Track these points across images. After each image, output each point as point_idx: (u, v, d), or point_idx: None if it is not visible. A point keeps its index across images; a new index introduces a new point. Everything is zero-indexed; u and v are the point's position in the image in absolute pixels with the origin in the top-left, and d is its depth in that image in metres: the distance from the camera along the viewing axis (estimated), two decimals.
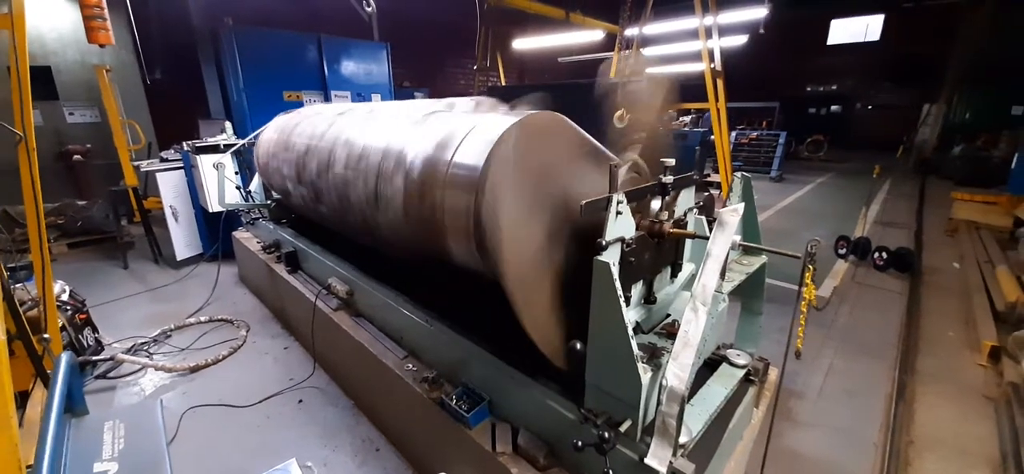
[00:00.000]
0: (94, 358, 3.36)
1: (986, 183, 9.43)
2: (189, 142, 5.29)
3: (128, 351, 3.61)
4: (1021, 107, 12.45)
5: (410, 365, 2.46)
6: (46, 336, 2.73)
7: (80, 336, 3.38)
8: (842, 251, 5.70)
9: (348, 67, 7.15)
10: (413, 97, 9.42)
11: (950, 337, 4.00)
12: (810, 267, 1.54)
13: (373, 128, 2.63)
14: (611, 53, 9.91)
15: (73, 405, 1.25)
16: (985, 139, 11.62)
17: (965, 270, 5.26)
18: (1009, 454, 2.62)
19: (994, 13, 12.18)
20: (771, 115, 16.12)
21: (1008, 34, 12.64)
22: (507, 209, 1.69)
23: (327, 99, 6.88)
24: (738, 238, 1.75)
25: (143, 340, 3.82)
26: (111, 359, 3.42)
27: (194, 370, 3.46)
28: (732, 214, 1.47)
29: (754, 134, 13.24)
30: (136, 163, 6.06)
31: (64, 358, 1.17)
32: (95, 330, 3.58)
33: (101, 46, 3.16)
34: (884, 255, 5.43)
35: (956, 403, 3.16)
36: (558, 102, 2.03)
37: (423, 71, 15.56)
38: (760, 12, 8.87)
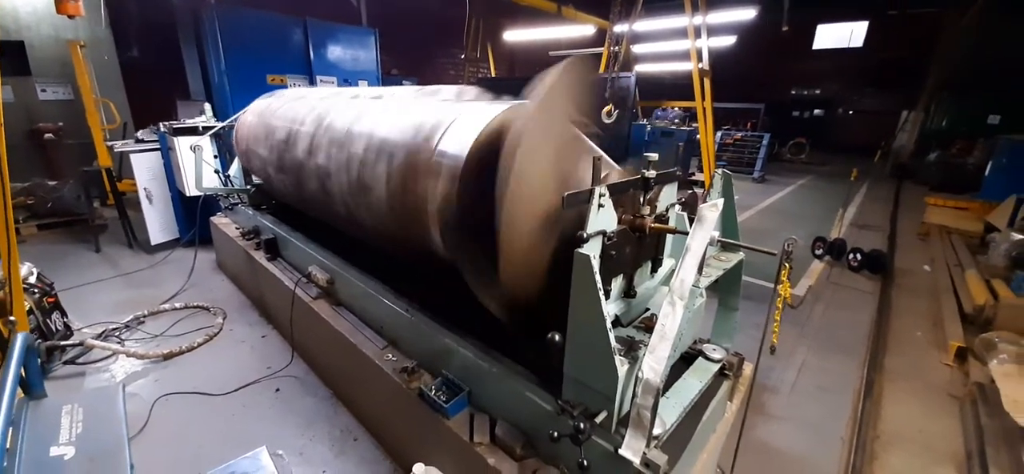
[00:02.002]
0: (62, 343, 3.26)
1: (959, 189, 9.73)
2: (166, 123, 5.14)
3: (98, 337, 3.51)
4: (997, 116, 12.84)
5: (390, 355, 2.44)
6: (12, 319, 2.64)
7: (48, 320, 3.27)
8: (819, 252, 5.84)
9: (335, 52, 7.02)
10: (401, 85, 9.31)
11: (918, 337, 4.13)
12: (786, 265, 1.57)
13: (358, 114, 2.58)
14: (601, 48, 9.93)
15: (31, 388, 1.21)
16: (960, 146, 11.97)
17: (935, 273, 5.43)
18: (974, 452, 2.72)
19: (975, 24, 12.51)
20: (756, 116, 16.36)
21: (988, 45, 13.01)
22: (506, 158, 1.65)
23: (312, 84, 6.75)
24: (717, 234, 1.77)
25: (114, 326, 3.72)
26: (80, 345, 3.31)
27: (167, 357, 3.38)
28: (711, 210, 1.48)
29: (739, 135, 13.43)
30: (110, 143, 5.86)
31: (20, 338, 1.12)
32: (64, 314, 3.47)
33: (70, 18, 3.04)
34: (858, 256, 5.58)
35: (922, 400, 3.27)
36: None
37: (412, 60, 15.38)
38: (749, 13, 8.97)
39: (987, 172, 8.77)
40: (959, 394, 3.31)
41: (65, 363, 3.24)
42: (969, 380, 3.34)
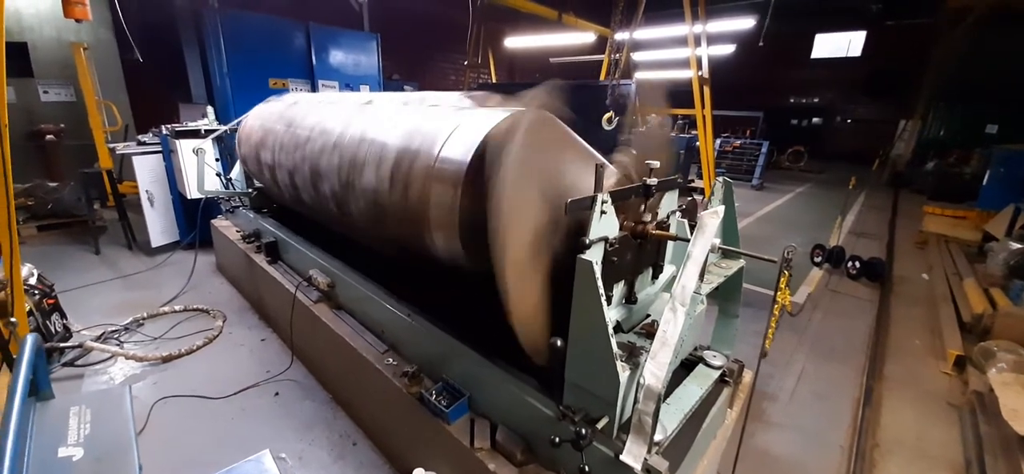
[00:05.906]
0: (62, 345, 3.25)
1: (957, 198, 9.75)
2: (168, 126, 5.15)
3: (98, 339, 3.51)
4: (995, 126, 12.91)
5: (390, 359, 2.44)
6: (13, 320, 2.64)
7: (48, 322, 3.27)
8: (817, 259, 5.86)
9: (337, 56, 7.05)
10: (402, 90, 9.34)
11: (917, 345, 4.14)
12: (786, 273, 1.58)
13: (361, 119, 2.60)
14: (602, 55, 9.99)
15: (38, 389, 1.21)
16: (957, 155, 12.02)
17: (933, 281, 5.45)
18: (973, 460, 2.73)
19: (971, 34, 12.62)
20: (755, 124, 16.43)
21: (984, 55, 13.10)
22: (495, 205, 1.68)
23: (314, 88, 6.78)
24: (717, 241, 1.79)
25: (114, 328, 3.72)
26: (79, 346, 3.31)
27: (167, 360, 3.38)
28: (712, 217, 1.50)
29: (738, 142, 13.48)
30: (111, 145, 5.87)
31: (29, 340, 1.13)
32: (63, 316, 3.46)
33: (77, 22, 3.05)
34: (857, 264, 5.60)
35: (920, 409, 3.27)
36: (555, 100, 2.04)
37: (413, 64, 15.44)
38: (748, 22, 9.05)
39: (985, 181, 8.79)
40: (958, 403, 3.32)
41: (64, 365, 3.23)
42: (968, 389, 3.35)
